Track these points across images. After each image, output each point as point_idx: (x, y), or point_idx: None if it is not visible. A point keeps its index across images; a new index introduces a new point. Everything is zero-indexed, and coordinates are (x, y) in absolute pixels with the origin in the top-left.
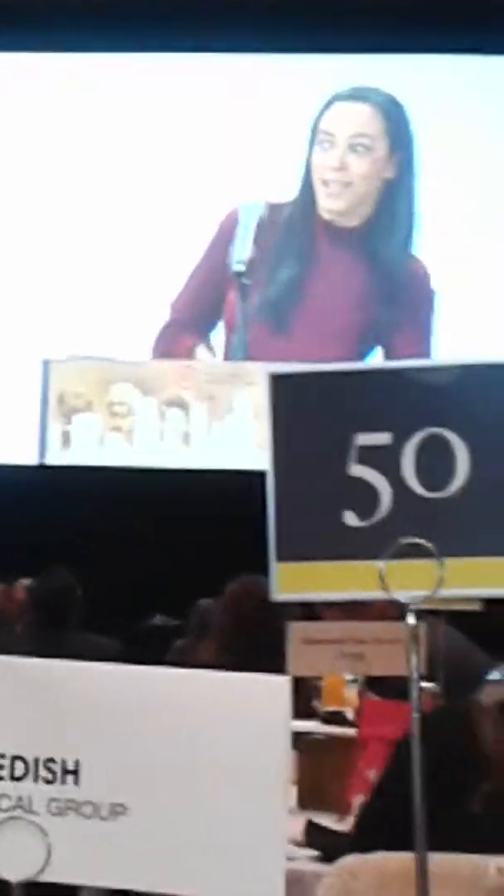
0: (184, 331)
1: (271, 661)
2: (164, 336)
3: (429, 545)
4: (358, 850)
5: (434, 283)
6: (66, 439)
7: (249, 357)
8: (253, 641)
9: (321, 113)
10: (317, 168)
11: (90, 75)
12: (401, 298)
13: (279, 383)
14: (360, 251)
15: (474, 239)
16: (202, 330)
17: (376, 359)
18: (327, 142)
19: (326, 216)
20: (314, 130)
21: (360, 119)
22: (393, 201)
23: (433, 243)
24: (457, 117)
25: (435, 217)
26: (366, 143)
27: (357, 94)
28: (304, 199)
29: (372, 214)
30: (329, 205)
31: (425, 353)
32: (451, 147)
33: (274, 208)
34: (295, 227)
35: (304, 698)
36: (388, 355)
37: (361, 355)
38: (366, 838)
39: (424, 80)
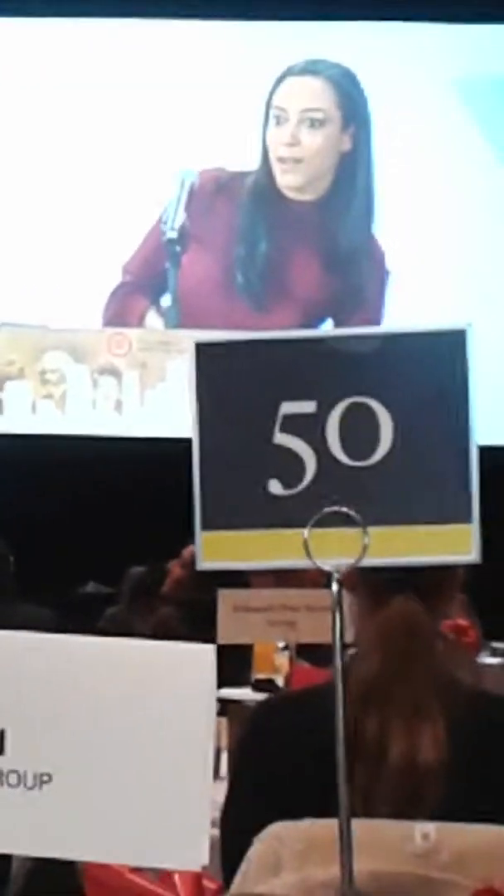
0: (134, 293)
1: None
2: (115, 298)
3: (353, 514)
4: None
5: (389, 264)
6: None
7: (201, 324)
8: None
9: (274, 88)
10: (272, 144)
11: (44, 40)
12: (356, 277)
13: (203, 351)
14: (318, 225)
15: (428, 217)
16: (152, 294)
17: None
18: (280, 117)
19: (285, 191)
20: (268, 106)
21: (312, 93)
22: (350, 174)
23: (388, 219)
24: (413, 89)
25: (391, 193)
26: (318, 117)
27: (309, 69)
28: (263, 173)
29: (329, 188)
30: (286, 181)
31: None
32: (407, 121)
33: (234, 177)
34: (254, 204)
35: (243, 666)
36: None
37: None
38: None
39: (382, 50)
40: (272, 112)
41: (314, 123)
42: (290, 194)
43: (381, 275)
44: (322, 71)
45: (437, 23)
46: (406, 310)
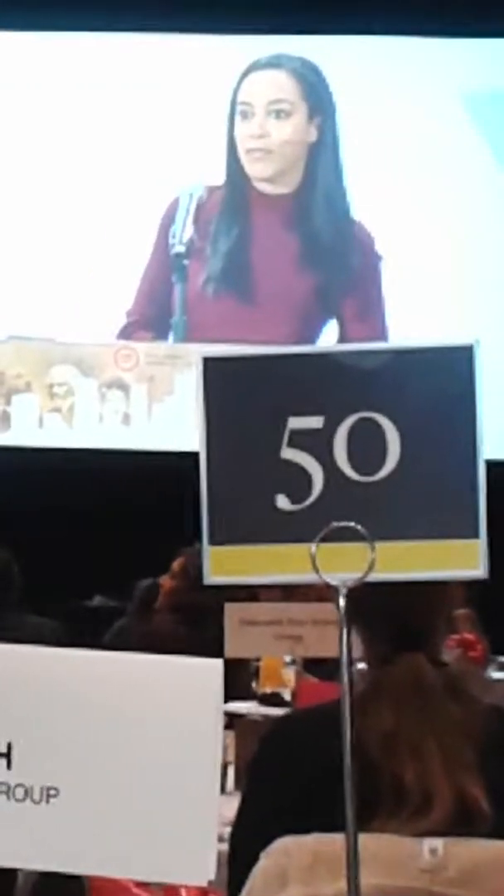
0: (139, 330)
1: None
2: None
3: (360, 529)
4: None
5: (379, 247)
6: (5, 420)
7: (202, 336)
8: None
9: (239, 85)
10: (240, 139)
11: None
12: (346, 264)
13: (211, 367)
14: (297, 218)
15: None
16: (158, 327)
17: (331, 333)
18: (247, 111)
19: (259, 186)
20: (234, 103)
21: (277, 85)
22: (319, 165)
23: (370, 208)
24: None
25: (368, 182)
26: (285, 108)
27: (272, 62)
28: (235, 174)
29: (302, 180)
30: (257, 173)
31: (378, 319)
32: (373, 113)
33: (212, 190)
34: (232, 204)
35: (244, 680)
36: (342, 326)
37: (315, 328)
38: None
39: (344, 57)
40: (238, 108)
41: (281, 114)
42: (264, 187)
43: (373, 264)
44: (285, 64)
45: (441, 37)
46: (400, 297)
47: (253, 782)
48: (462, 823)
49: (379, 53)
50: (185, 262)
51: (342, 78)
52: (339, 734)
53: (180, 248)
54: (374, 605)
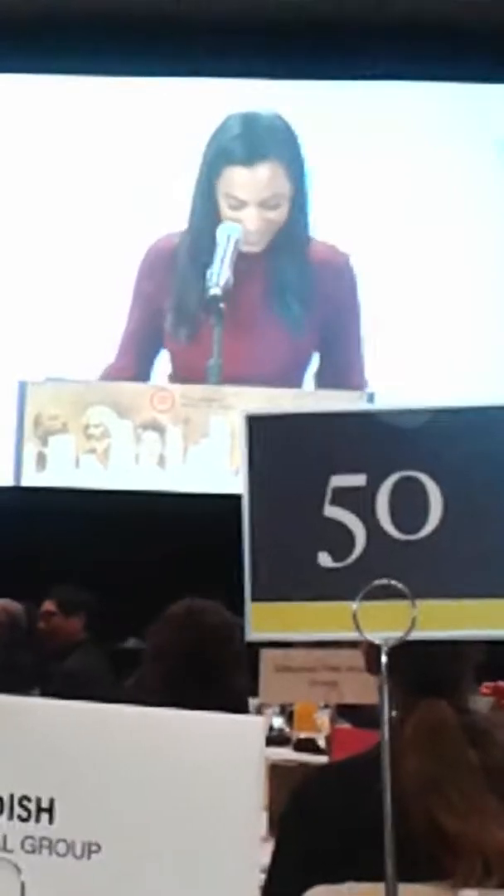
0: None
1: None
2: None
3: (402, 587)
4: None
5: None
6: (41, 461)
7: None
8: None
9: (218, 175)
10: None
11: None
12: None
13: (255, 425)
14: (266, 264)
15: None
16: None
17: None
18: (236, 205)
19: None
20: (212, 189)
21: (265, 181)
22: (293, 219)
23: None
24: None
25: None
26: (275, 203)
27: (254, 155)
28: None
29: (276, 236)
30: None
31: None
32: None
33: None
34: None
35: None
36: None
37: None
38: None
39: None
40: (230, 201)
41: (272, 206)
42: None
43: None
44: (267, 154)
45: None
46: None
47: (286, 833)
48: (492, 872)
49: (411, 98)
50: (222, 305)
51: (370, 125)
52: (367, 787)
53: (216, 291)
54: (399, 652)
